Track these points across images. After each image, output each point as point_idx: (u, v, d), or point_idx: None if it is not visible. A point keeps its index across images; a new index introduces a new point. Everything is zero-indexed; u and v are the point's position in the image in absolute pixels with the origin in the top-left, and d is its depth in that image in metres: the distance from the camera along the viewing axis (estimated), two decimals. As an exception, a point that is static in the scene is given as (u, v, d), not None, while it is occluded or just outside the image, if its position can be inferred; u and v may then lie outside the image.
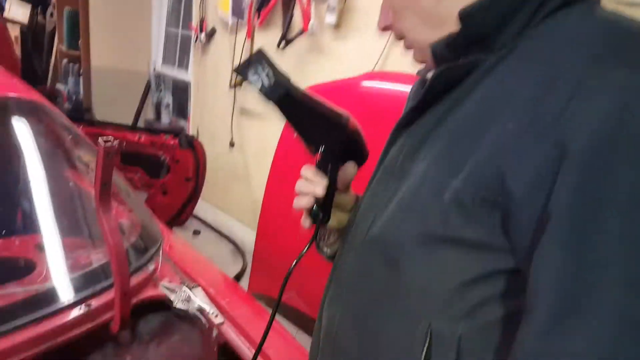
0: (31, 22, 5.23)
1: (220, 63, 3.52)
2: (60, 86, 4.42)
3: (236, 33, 3.27)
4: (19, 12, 5.15)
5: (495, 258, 0.55)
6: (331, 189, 0.76)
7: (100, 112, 4.27)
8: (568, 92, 0.50)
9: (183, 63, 4.19)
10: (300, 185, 0.78)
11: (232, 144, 3.48)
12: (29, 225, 1.28)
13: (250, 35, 3.13)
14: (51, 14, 5.30)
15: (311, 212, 0.77)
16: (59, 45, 4.87)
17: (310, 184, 0.76)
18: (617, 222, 0.45)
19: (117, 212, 1.33)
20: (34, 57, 5.21)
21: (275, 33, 2.97)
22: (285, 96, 0.68)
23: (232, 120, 3.42)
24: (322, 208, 0.76)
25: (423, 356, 0.59)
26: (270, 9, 2.96)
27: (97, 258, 1.18)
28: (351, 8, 2.50)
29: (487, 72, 0.59)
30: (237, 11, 3.20)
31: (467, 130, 0.59)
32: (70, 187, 1.39)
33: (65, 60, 4.70)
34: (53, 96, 3.19)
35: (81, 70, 4.28)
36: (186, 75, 4.07)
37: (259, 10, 3.01)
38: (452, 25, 0.61)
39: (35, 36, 5.33)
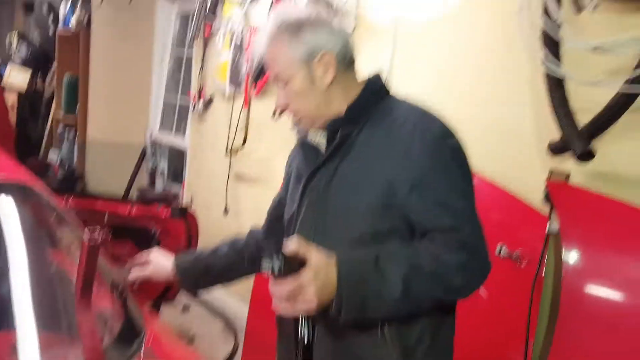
0: (30, 87, 5.33)
1: (217, 130, 3.56)
2: (54, 152, 4.44)
3: (233, 101, 3.33)
4: (18, 78, 5.27)
5: (397, 229, 1.04)
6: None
7: (93, 180, 4.27)
8: (412, 131, 1.05)
9: (180, 129, 4.24)
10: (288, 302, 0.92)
11: (226, 211, 3.45)
12: (6, 320, 1.21)
13: (247, 104, 3.19)
14: (50, 80, 5.42)
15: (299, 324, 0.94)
16: (56, 110, 4.95)
17: (303, 303, 0.91)
18: (449, 176, 1.04)
19: (99, 301, 1.28)
20: (29, 122, 5.27)
21: (271, 102, 3.01)
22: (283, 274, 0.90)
23: (227, 186, 3.42)
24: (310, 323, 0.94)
25: None
26: (267, 79, 3.03)
27: (74, 356, 1.11)
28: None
29: (357, 134, 1.09)
30: (234, 81, 3.28)
31: (363, 169, 1.06)
32: (52, 275, 1.34)
33: (61, 126, 4.75)
34: (44, 169, 3.20)
35: (77, 137, 4.32)
36: (183, 142, 4.10)
37: (255, 80, 3.08)
38: (334, 106, 1.11)
39: (32, 101, 5.43)
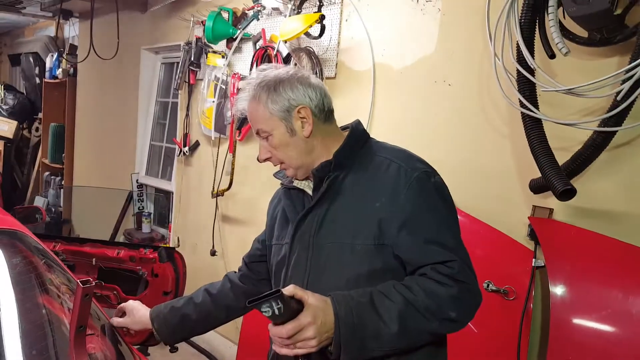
0: (16, 136, 5.35)
1: (203, 173, 3.60)
2: (40, 198, 4.42)
3: (219, 146, 3.38)
4: (4, 128, 5.29)
5: (390, 267, 1.08)
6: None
7: (80, 223, 4.24)
8: (397, 172, 1.10)
9: (166, 174, 4.26)
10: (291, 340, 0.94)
11: (213, 253, 3.44)
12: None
13: (232, 148, 3.24)
14: (37, 129, 5.45)
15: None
16: (42, 158, 4.95)
17: (304, 343, 0.94)
18: (436, 213, 1.08)
19: (90, 341, 1.27)
20: (16, 170, 5.26)
21: (256, 146, 3.06)
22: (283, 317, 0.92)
23: (214, 228, 3.42)
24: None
25: None
26: (250, 127, 3.09)
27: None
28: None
29: (344, 178, 1.13)
30: (219, 126, 3.34)
31: (353, 211, 1.10)
32: (41, 320, 1.33)
33: (47, 173, 4.74)
34: (32, 214, 3.19)
35: (62, 183, 4.31)
36: (169, 186, 4.12)
37: (239, 127, 3.15)
38: (317, 152, 1.17)
39: (18, 149, 5.44)
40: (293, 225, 1.18)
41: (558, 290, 1.70)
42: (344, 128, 1.26)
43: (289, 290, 0.92)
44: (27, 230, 1.62)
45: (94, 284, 0.88)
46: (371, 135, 1.23)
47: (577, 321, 1.67)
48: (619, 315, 1.60)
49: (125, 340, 1.48)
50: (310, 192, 1.20)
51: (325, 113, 1.18)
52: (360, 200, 1.10)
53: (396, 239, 1.05)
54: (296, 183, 1.22)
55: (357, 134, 1.20)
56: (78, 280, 0.87)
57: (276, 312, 0.88)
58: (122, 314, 1.43)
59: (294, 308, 0.90)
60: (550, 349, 1.66)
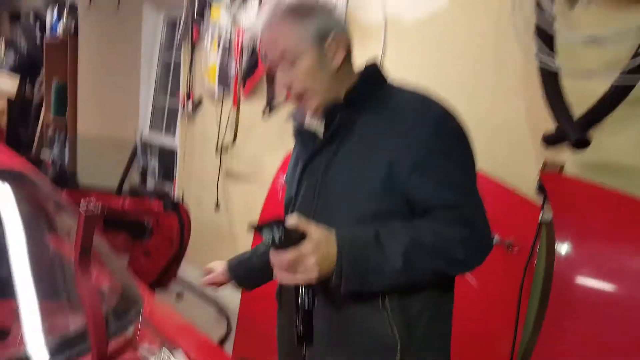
0: (19, 94, 5.33)
1: (207, 130, 3.60)
2: (45, 154, 4.44)
3: (222, 102, 3.37)
4: (7, 84, 5.26)
5: (396, 210, 1.04)
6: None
7: (85, 179, 4.26)
8: (413, 113, 1.05)
9: (170, 130, 4.26)
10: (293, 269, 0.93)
11: (217, 206, 3.48)
12: (6, 291, 1.23)
13: (236, 104, 3.23)
14: (39, 88, 5.42)
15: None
16: (45, 114, 4.94)
17: (304, 272, 0.92)
18: (451, 156, 1.04)
19: (97, 277, 1.30)
20: (20, 126, 5.26)
21: (260, 102, 3.07)
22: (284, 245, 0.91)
23: (218, 184, 3.45)
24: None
25: None
26: (255, 80, 3.07)
27: (74, 323, 1.14)
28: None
29: (357, 119, 1.08)
30: (223, 82, 3.32)
31: (363, 151, 1.06)
32: (50, 253, 1.36)
33: (51, 129, 4.74)
34: (38, 163, 3.20)
35: (67, 136, 4.32)
36: (173, 142, 4.12)
37: (244, 81, 3.12)
38: (336, 90, 1.10)
39: (22, 106, 5.42)
40: (300, 166, 1.16)
41: (564, 245, 1.67)
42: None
43: (292, 220, 0.91)
44: (34, 173, 1.63)
45: (97, 208, 0.89)
46: None
47: (582, 278, 1.64)
48: (624, 273, 1.57)
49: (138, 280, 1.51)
50: (320, 133, 1.16)
51: (350, 47, 1.12)
52: (371, 142, 1.06)
53: (407, 181, 1.01)
54: (308, 125, 1.18)
55: (370, 73, 1.15)
56: (81, 204, 0.88)
57: (276, 240, 0.87)
58: (208, 273, 1.44)
59: (295, 238, 0.90)
60: (552, 303, 1.66)
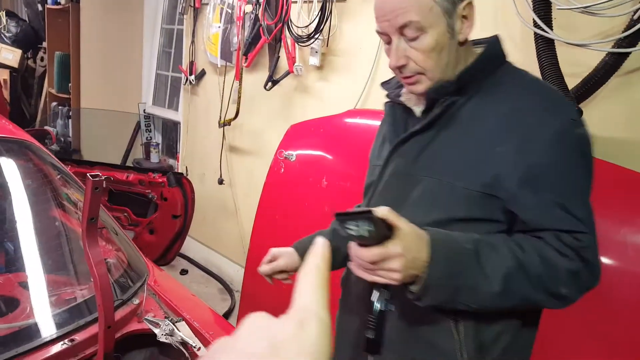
0: (21, 66, 5.31)
1: (209, 103, 3.59)
2: (48, 128, 4.46)
3: (225, 75, 3.35)
4: (9, 57, 5.24)
5: (490, 220, 0.91)
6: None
7: (89, 153, 4.29)
8: (536, 114, 0.89)
9: (173, 104, 4.26)
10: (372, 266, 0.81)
11: (221, 182, 3.50)
12: (14, 264, 1.27)
13: (239, 77, 3.21)
14: (42, 59, 5.40)
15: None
16: (48, 88, 4.93)
17: (386, 274, 0.81)
18: (574, 173, 0.89)
19: (103, 250, 1.34)
20: (22, 100, 5.26)
21: (262, 74, 3.06)
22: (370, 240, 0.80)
23: (222, 158, 3.46)
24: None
25: None
26: (257, 52, 3.05)
27: (81, 293, 1.18)
28: (333, 51, 2.60)
29: (463, 105, 0.93)
30: (225, 55, 3.29)
31: (464, 147, 0.91)
32: (56, 225, 1.39)
33: (54, 103, 4.74)
34: (41, 136, 3.22)
35: (70, 112, 4.33)
36: (176, 116, 4.13)
37: (246, 53, 3.10)
38: (454, 67, 0.94)
39: (24, 80, 5.41)
40: (390, 148, 1.02)
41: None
42: (475, 43, 1.01)
43: (382, 212, 0.78)
44: (39, 144, 1.66)
45: (103, 178, 0.91)
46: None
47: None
48: (613, 245, 1.54)
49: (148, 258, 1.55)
50: (418, 112, 1.00)
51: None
52: (476, 136, 0.91)
53: (515, 194, 0.87)
54: (404, 98, 1.03)
55: (493, 52, 0.96)
56: (88, 174, 0.90)
57: (364, 233, 0.77)
58: (271, 261, 1.21)
59: (383, 232, 0.79)
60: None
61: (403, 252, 0.79)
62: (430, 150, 0.95)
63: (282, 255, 1.17)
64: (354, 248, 0.81)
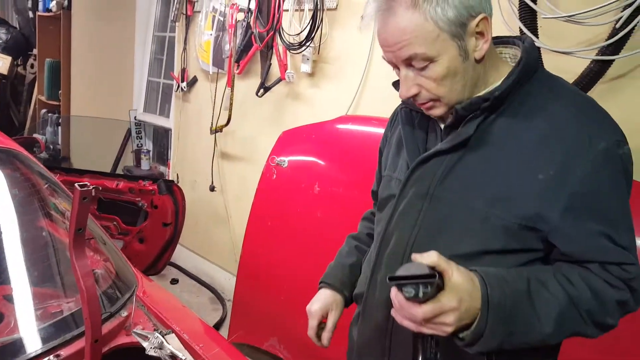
0: (11, 73, 5.26)
1: (201, 110, 3.58)
2: (37, 136, 4.42)
3: (217, 81, 3.34)
4: (-1, 63, 5.19)
5: (528, 251, 0.85)
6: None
7: (79, 161, 4.25)
8: (578, 137, 0.81)
9: (164, 111, 4.23)
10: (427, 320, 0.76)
11: (212, 188, 3.48)
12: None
13: (231, 83, 3.20)
14: (32, 66, 5.35)
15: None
16: (38, 95, 4.89)
17: (438, 327, 0.76)
18: (618, 198, 0.83)
19: (92, 261, 1.31)
20: (11, 107, 5.21)
21: (254, 81, 3.05)
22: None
23: (213, 165, 3.44)
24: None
25: None
26: (249, 59, 3.05)
27: (68, 306, 1.15)
28: (324, 58, 2.60)
29: (493, 122, 0.86)
30: (217, 62, 3.28)
31: (497, 173, 0.84)
32: (43, 236, 1.37)
33: (44, 110, 4.70)
34: (30, 144, 3.18)
35: (60, 120, 4.29)
36: (167, 122, 4.10)
37: (238, 60, 3.09)
38: (476, 86, 0.87)
39: (14, 87, 5.36)
40: (412, 164, 0.93)
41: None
42: (497, 42, 0.92)
43: (430, 258, 0.73)
44: (27, 153, 1.63)
45: (92, 188, 0.89)
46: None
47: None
48: None
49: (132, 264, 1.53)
50: (441, 126, 0.93)
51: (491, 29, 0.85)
52: (511, 158, 0.83)
53: (557, 226, 0.82)
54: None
55: (530, 62, 0.86)
56: (76, 184, 0.88)
57: (420, 295, 0.72)
58: (321, 323, 1.09)
59: (437, 288, 0.74)
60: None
61: (458, 305, 0.74)
62: (458, 171, 0.87)
63: (325, 308, 1.08)
64: (398, 297, 0.74)
